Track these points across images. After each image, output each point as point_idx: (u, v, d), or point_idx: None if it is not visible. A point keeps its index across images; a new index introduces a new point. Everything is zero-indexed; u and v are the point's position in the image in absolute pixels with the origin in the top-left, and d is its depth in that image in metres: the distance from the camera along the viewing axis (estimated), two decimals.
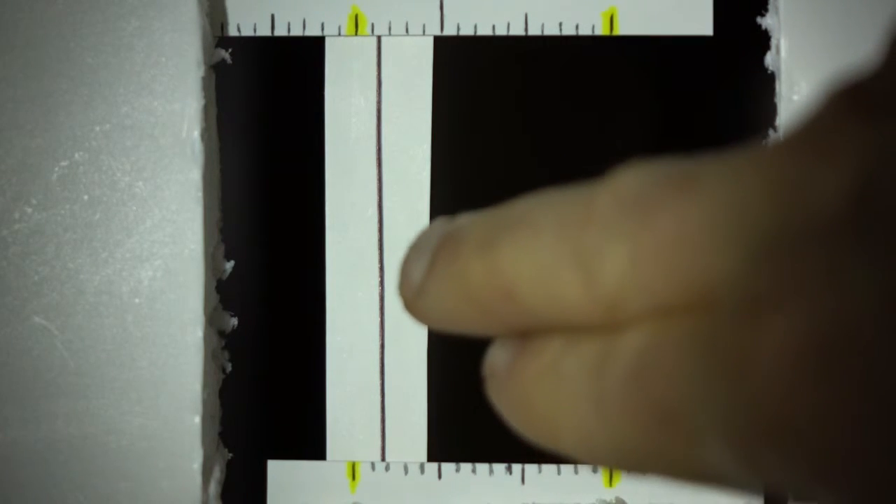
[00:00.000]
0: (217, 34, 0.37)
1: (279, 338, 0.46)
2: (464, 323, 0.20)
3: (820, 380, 0.15)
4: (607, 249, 0.18)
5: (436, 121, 0.38)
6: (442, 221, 0.21)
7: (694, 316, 0.17)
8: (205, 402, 0.36)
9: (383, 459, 0.38)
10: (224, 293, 0.37)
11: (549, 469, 0.38)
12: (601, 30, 0.37)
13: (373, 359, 0.38)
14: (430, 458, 0.38)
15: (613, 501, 0.38)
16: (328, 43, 0.38)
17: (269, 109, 0.46)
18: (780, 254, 0.16)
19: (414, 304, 0.21)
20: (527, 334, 0.20)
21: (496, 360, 0.20)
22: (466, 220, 0.20)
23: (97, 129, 0.36)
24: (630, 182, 0.18)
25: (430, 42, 0.38)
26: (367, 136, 0.38)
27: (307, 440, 0.40)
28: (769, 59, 0.37)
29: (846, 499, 0.15)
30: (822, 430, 0.15)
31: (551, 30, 0.37)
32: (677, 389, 0.17)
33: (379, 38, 0.38)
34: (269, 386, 0.46)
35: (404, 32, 0.37)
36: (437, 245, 0.20)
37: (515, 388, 0.20)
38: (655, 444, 0.17)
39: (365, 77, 0.38)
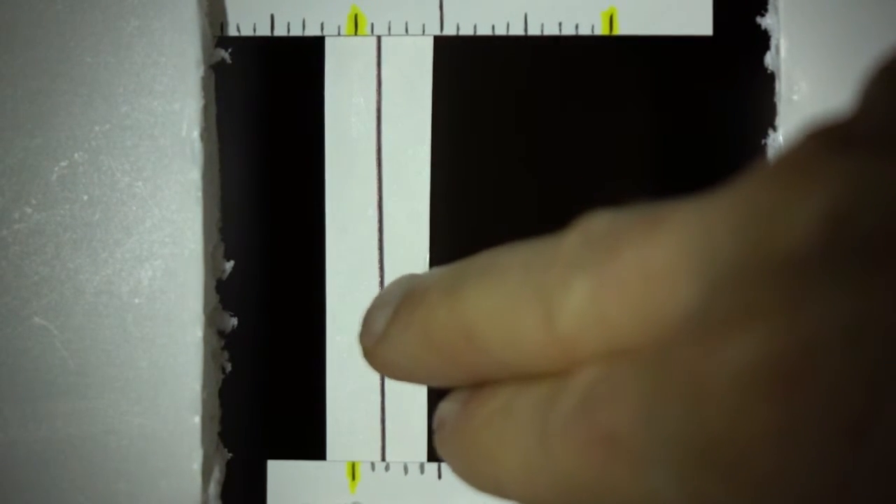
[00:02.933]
0: (217, 34, 0.37)
1: (279, 338, 0.46)
2: (423, 370, 0.20)
3: (771, 404, 0.15)
4: (569, 284, 0.18)
5: (436, 121, 0.38)
6: (408, 276, 0.21)
7: (648, 348, 0.17)
8: (204, 402, 0.36)
9: (383, 459, 0.38)
10: (224, 293, 0.37)
11: None
12: (601, 30, 0.37)
13: None
14: (430, 458, 0.38)
15: None
16: (328, 43, 0.38)
17: (268, 109, 0.46)
18: (744, 282, 0.15)
19: (374, 351, 0.21)
20: (481, 385, 0.19)
21: (446, 410, 0.20)
22: (433, 272, 0.20)
23: (97, 129, 0.36)
24: (598, 224, 0.18)
25: (429, 42, 0.38)
26: (367, 135, 0.38)
27: (307, 440, 0.40)
28: (769, 59, 0.37)
29: None
30: (770, 456, 0.15)
31: (551, 30, 0.37)
32: (624, 415, 0.17)
33: (379, 37, 0.38)
34: (269, 386, 0.46)
35: (404, 32, 0.37)
36: (403, 295, 0.20)
37: (463, 433, 0.19)
38: (599, 476, 0.17)
39: (365, 77, 0.38)
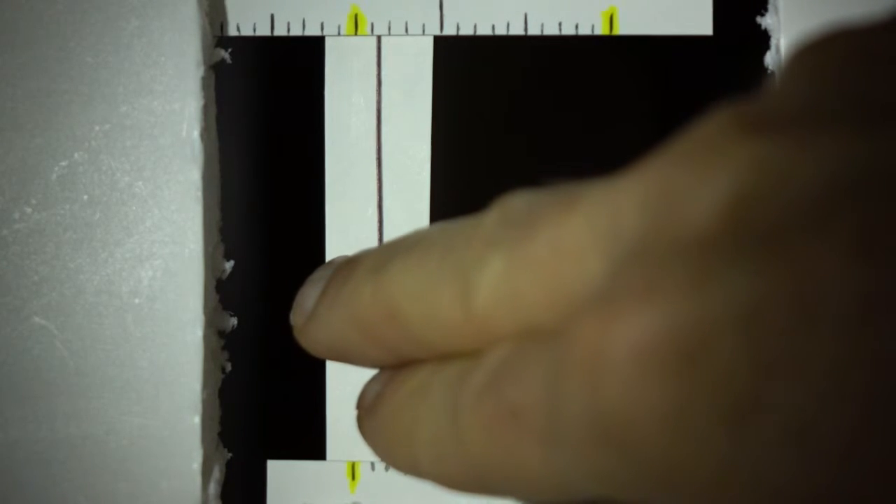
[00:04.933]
0: (217, 34, 0.37)
1: (279, 338, 0.46)
2: (349, 349, 0.20)
3: (664, 383, 0.15)
4: (485, 262, 0.18)
5: (436, 120, 0.38)
6: (341, 256, 0.21)
7: (555, 326, 0.17)
8: (204, 402, 0.36)
9: None
10: (224, 293, 0.37)
11: None
12: (601, 29, 0.37)
13: None
14: None
15: None
16: (328, 43, 0.38)
17: (268, 109, 0.46)
18: (647, 260, 0.15)
19: (303, 329, 0.21)
20: (403, 366, 0.20)
21: (367, 391, 0.20)
22: (364, 251, 0.20)
23: (97, 128, 0.36)
24: (516, 203, 0.18)
25: (429, 42, 0.38)
26: (367, 135, 0.38)
27: (307, 440, 0.40)
28: (769, 58, 0.37)
29: None
30: (663, 437, 0.15)
31: (551, 29, 0.37)
32: (528, 391, 0.17)
33: (379, 37, 0.38)
34: (269, 386, 0.46)
35: (404, 32, 0.37)
36: (332, 274, 0.20)
37: (382, 412, 0.20)
38: (505, 453, 0.17)
39: (365, 77, 0.38)
